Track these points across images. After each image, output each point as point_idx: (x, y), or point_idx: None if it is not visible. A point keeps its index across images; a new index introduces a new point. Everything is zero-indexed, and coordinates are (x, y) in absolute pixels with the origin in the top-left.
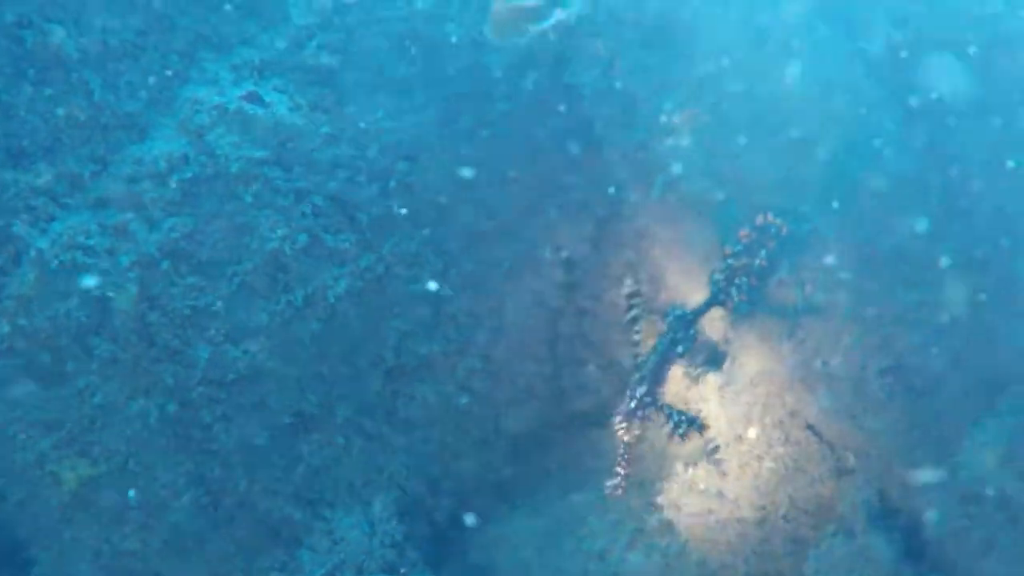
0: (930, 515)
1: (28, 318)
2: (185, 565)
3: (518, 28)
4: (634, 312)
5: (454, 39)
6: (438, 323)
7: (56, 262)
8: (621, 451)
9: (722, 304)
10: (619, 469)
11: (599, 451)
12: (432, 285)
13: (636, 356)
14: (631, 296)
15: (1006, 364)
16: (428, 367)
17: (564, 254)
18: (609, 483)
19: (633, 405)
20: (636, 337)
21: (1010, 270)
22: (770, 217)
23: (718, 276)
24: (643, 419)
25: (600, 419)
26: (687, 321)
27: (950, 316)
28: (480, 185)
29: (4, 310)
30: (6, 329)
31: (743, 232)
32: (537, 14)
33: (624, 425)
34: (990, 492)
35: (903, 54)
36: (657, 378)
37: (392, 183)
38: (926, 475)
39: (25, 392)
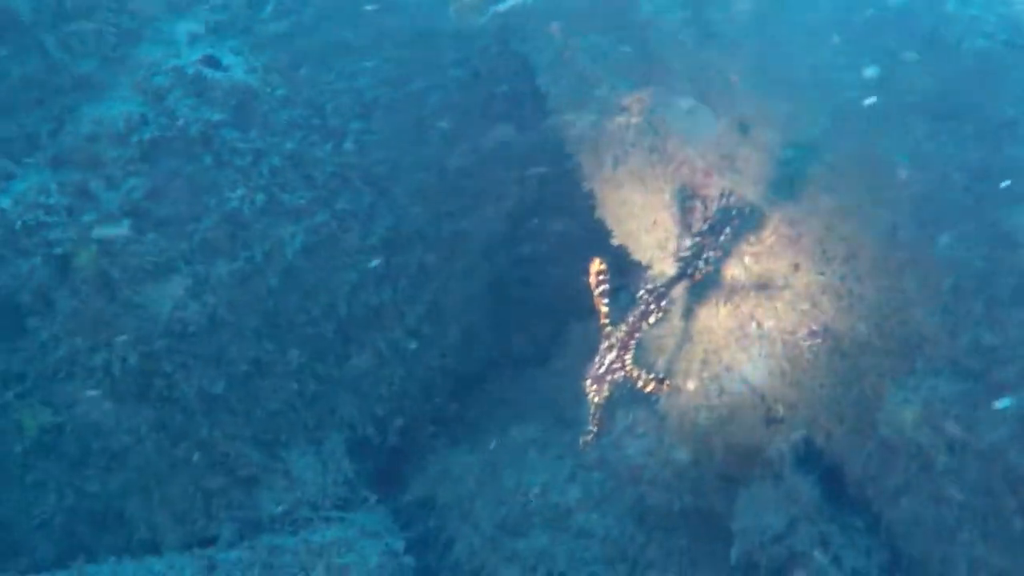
0: (851, 462)
1: None
2: (147, 505)
3: (478, 8)
4: (603, 287)
5: (409, 6)
6: (389, 274)
7: (19, 222)
8: (592, 411)
9: (690, 277)
10: (591, 427)
11: (536, 388)
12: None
13: (603, 324)
14: (600, 273)
15: (922, 327)
16: (378, 315)
17: (508, 208)
18: (581, 438)
19: (603, 370)
20: (604, 308)
21: (928, 252)
22: (732, 198)
23: (685, 252)
24: (611, 382)
25: (536, 358)
26: (660, 294)
27: (873, 287)
28: (431, 143)
29: None
30: None
31: (707, 211)
32: None
33: (594, 387)
34: (906, 444)
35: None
36: (626, 345)
37: (346, 143)
38: (848, 426)
39: None
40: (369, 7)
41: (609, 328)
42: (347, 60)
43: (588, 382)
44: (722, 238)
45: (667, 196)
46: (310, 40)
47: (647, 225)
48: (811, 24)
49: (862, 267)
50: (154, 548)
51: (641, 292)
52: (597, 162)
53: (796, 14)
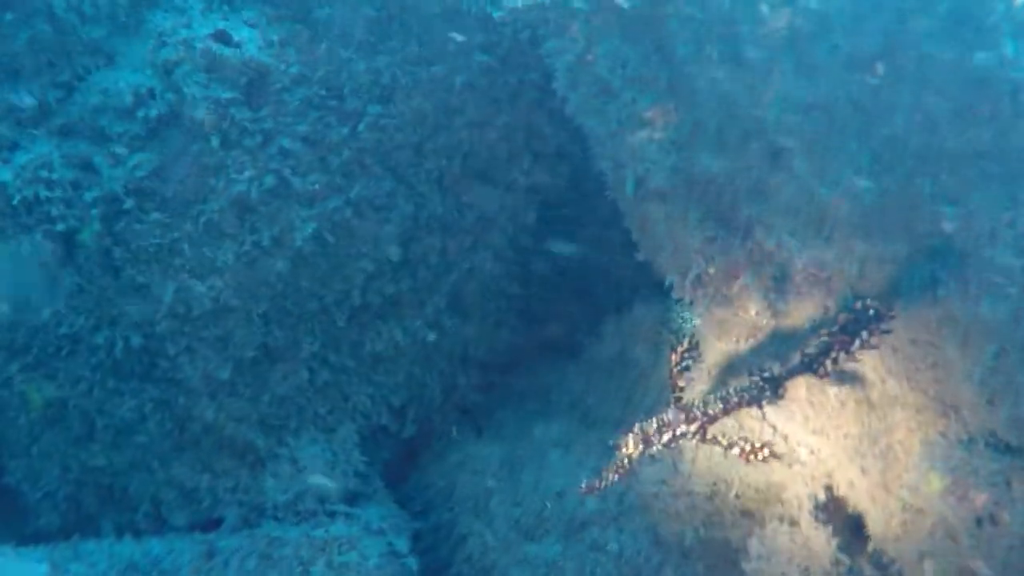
0: (873, 517)
1: None
2: (152, 482)
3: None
4: (687, 363)
5: None
6: (408, 263)
7: (19, 197)
8: (621, 461)
9: (814, 372)
10: (611, 475)
11: (565, 382)
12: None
13: (678, 396)
14: (683, 353)
15: (958, 390)
16: (395, 305)
17: (538, 197)
18: (592, 480)
19: (667, 438)
20: (681, 384)
21: (970, 312)
22: (869, 303)
23: (812, 349)
24: (661, 444)
25: (567, 348)
26: (776, 382)
27: (907, 339)
28: (455, 129)
29: None
30: None
31: (841, 315)
32: None
33: (638, 443)
34: (931, 512)
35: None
36: (715, 419)
37: (363, 126)
38: (870, 481)
39: None
40: None
41: (687, 400)
42: (368, 37)
43: (632, 435)
44: (856, 344)
45: (690, 221)
46: (330, 14)
47: (669, 248)
48: (852, 52)
49: (896, 317)
50: (159, 523)
51: (755, 376)
52: (619, 175)
53: (837, 38)
